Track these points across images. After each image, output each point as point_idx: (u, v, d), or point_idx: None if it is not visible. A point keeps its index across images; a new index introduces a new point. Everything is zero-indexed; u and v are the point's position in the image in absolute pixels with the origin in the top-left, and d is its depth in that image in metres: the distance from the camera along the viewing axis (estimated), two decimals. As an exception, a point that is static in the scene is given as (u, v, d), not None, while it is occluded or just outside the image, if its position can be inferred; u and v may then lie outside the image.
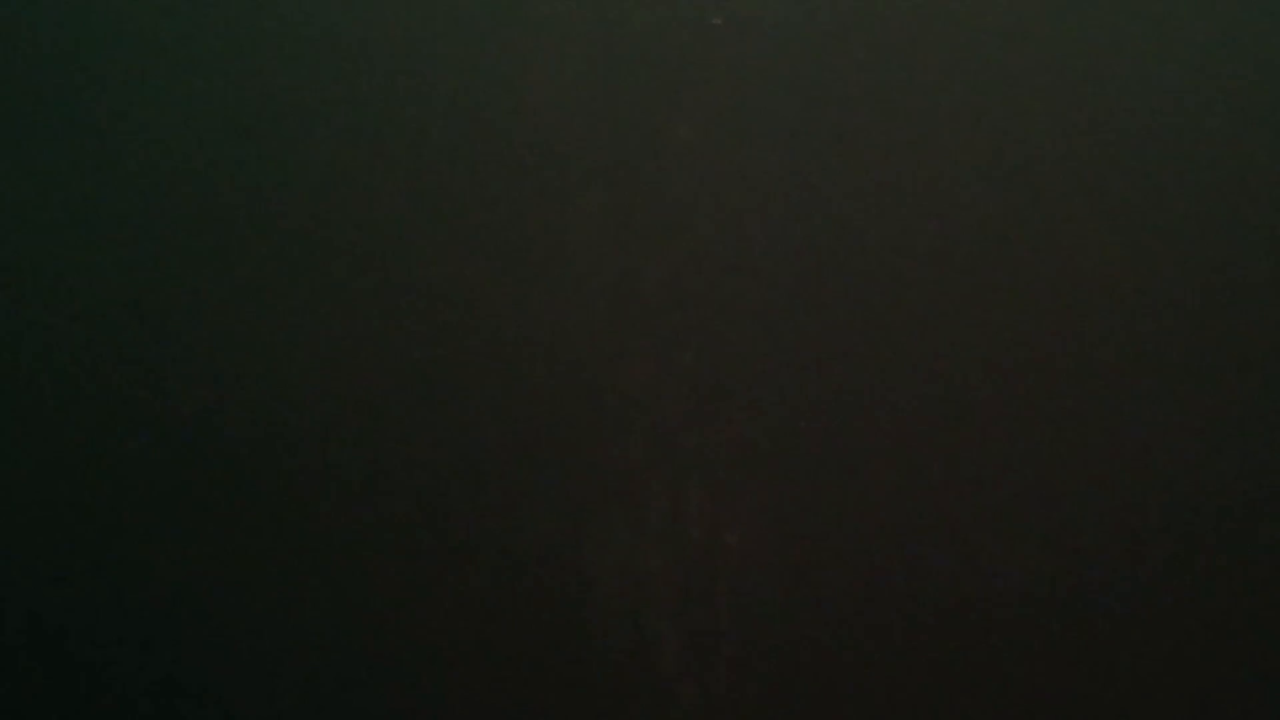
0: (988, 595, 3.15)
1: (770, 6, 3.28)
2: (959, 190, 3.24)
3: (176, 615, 3.21)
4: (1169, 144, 3.25)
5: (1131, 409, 3.19)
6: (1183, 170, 3.24)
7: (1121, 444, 3.18)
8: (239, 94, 3.32)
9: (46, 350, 3.30)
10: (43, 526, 3.25)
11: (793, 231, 3.23)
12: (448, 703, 3.18)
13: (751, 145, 3.26)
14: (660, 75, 3.27)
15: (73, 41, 3.37)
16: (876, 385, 3.20)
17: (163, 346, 3.28)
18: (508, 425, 3.22)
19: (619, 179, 3.27)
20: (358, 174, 3.30)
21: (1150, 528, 3.16)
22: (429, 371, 3.25)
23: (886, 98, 3.24)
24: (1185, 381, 3.18)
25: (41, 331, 3.31)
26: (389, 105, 3.30)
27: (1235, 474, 3.15)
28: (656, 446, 3.20)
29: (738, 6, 3.28)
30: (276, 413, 3.24)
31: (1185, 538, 3.16)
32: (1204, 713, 3.11)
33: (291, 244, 3.27)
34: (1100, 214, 3.24)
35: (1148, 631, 3.14)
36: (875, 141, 3.25)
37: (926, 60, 3.25)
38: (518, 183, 3.28)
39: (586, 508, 3.19)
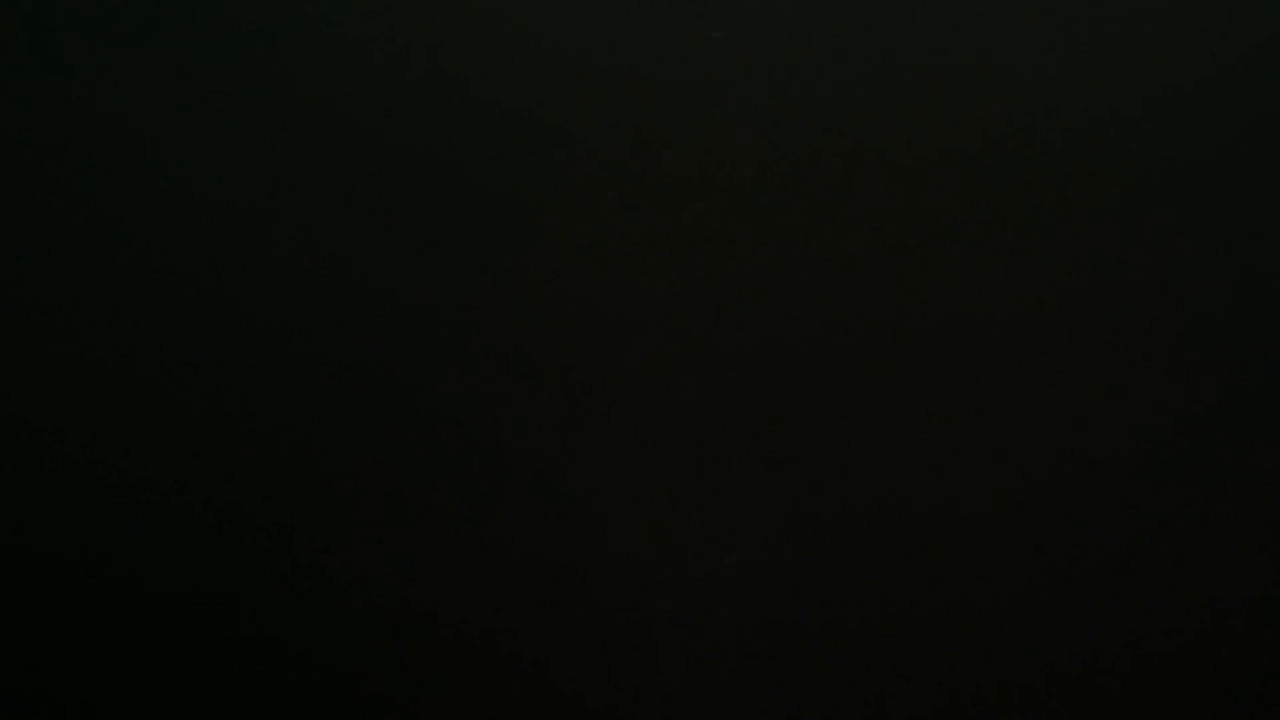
0: (991, 605, 3.16)
1: (770, 21, 3.28)
2: (961, 196, 3.24)
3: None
4: (1168, 149, 3.25)
5: (1138, 439, 3.20)
6: (1182, 173, 3.24)
7: (1126, 478, 3.18)
8: (239, 89, 3.32)
9: (46, 348, 3.31)
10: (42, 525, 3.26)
11: (793, 242, 3.24)
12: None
13: (752, 156, 3.26)
14: (662, 88, 3.28)
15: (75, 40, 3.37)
16: (880, 394, 3.21)
17: (171, 341, 3.29)
18: (507, 430, 3.23)
19: (621, 191, 3.27)
20: (369, 171, 3.30)
21: (1154, 559, 3.17)
22: (427, 381, 3.25)
23: (884, 108, 3.25)
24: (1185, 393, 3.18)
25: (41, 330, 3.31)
26: (395, 106, 3.30)
27: (1235, 477, 3.16)
28: (656, 458, 3.21)
29: (738, 22, 3.28)
30: (287, 407, 3.25)
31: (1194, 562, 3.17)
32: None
33: (292, 245, 3.27)
34: (1106, 224, 3.25)
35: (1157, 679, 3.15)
36: (874, 149, 3.25)
37: (925, 70, 3.26)
38: (518, 195, 3.28)
39: (587, 513, 3.20)
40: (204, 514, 3.25)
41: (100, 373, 3.30)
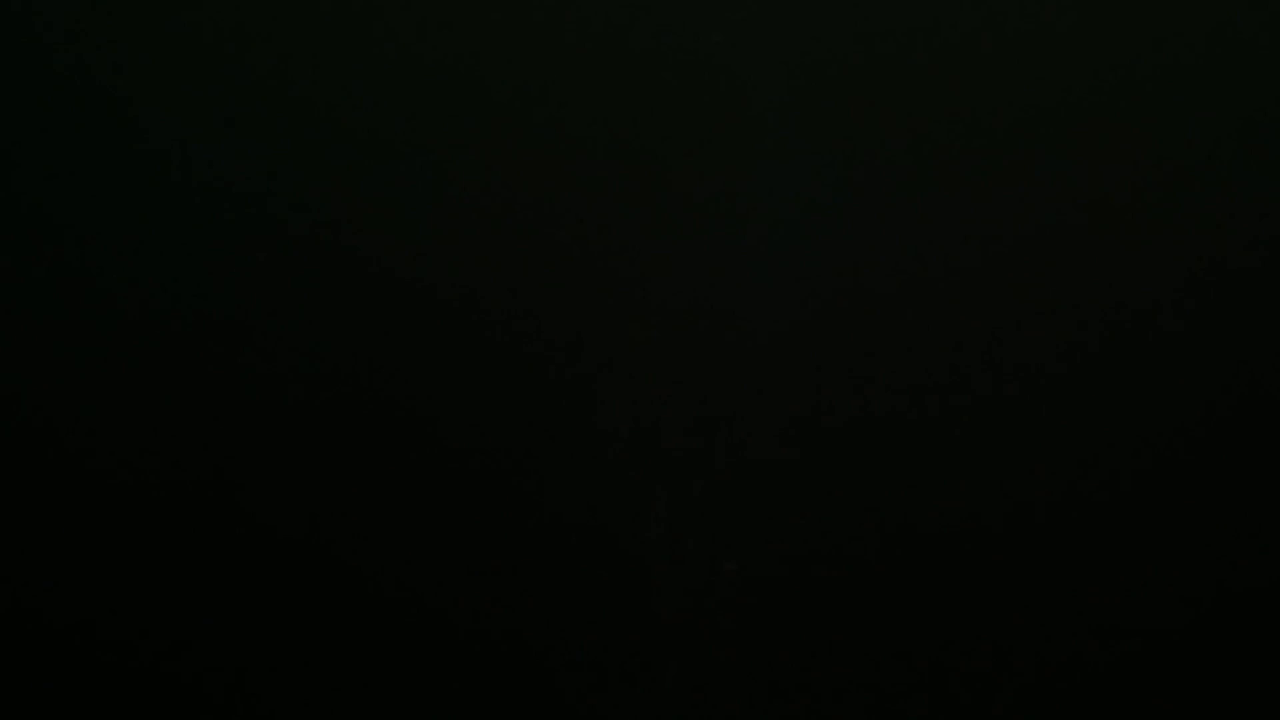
0: (995, 612, 3.16)
1: (768, 24, 3.31)
2: (963, 198, 3.26)
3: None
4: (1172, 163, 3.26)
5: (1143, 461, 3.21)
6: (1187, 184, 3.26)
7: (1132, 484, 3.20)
8: (244, 92, 3.35)
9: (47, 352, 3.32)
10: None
11: (797, 248, 3.26)
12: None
13: (753, 158, 3.29)
14: (662, 91, 3.31)
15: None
16: (881, 402, 3.22)
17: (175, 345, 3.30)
18: (505, 435, 3.24)
19: (620, 194, 3.29)
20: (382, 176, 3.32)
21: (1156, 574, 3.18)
22: (429, 382, 3.26)
23: (882, 110, 3.27)
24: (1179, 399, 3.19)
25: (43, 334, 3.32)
26: (404, 109, 3.33)
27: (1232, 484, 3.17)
28: (655, 465, 3.22)
29: (734, 24, 3.31)
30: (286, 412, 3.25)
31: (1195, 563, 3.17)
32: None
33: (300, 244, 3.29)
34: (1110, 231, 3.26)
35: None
36: (875, 153, 3.27)
37: (927, 73, 3.29)
38: (517, 197, 3.30)
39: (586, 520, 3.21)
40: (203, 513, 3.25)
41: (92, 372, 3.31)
